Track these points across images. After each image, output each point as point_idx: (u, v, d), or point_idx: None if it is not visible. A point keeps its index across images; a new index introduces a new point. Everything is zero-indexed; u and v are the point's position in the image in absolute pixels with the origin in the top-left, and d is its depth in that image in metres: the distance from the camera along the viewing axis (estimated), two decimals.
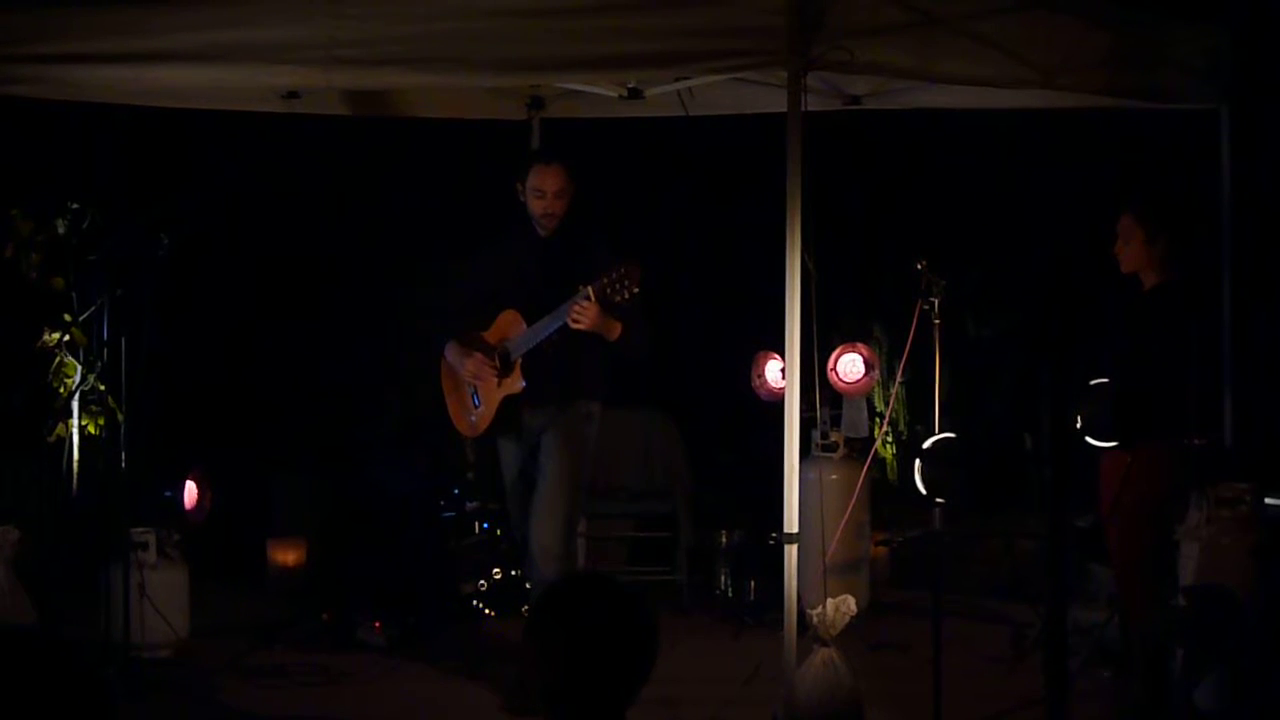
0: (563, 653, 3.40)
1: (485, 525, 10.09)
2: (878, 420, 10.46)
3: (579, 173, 7.83)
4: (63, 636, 3.18)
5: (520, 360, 7.68)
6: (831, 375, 9.63)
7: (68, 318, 9.07)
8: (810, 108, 6.74)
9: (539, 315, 7.56)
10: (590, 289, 7.25)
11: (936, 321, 8.42)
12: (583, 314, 7.31)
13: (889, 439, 11.19)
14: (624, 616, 3.45)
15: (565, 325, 7.39)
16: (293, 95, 8.65)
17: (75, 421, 9.11)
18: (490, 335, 7.86)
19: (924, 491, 7.02)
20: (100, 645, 8.08)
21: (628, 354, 7.73)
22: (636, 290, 7.21)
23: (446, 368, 8.03)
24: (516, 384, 7.71)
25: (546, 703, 3.43)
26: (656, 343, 7.81)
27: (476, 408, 7.94)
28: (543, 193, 7.72)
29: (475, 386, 7.91)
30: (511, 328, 7.76)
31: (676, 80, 8.45)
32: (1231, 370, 8.51)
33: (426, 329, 8.15)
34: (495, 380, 7.78)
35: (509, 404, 7.77)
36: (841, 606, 6.64)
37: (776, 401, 7.67)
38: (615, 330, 7.50)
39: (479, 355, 7.82)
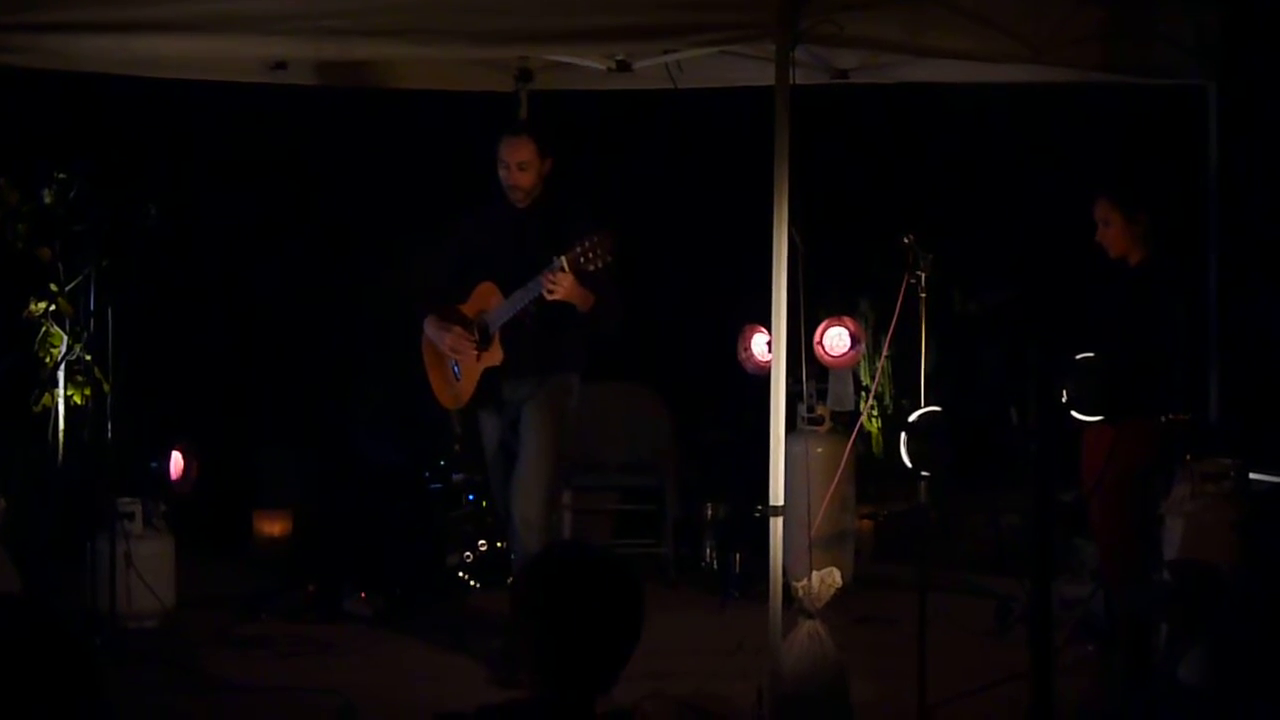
0: (549, 622, 3.40)
1: (471, 497, 10.10)
2: (864, 394, 10.47)
3: (558, 145, 7.83)
4: (49, 606, 3.19)
5: (499, 332, 7.69)
6: (818, 349, 9.64)
7: (54, 288, 9.04)
8: (798, 81, 6.74)
9: (516, 287, 7.56)
10: (564, 259, 7.25)
11: (923, 295, 8.44)
12: (557, 284, 7.31)
13: (875, 413, 11.20)
14: (609, 584, 3.46)
15: (542, 297, 7.40)
16: (280, 66, 8.65)
17: (61, 391, 9.09)
18: (468, 308, 7.86)
19: (909, 465, 7.03)
20: (86, 615, 8.11)
21: (599, 327, 7.73)
22: (610, 259, 7.21)
23: (427, 341, 8.03)
24: (495, 356, 7.71)
25: (533, 673, 3.43)
26: (629, 317, 7.80)
27: (458, 380, 7.95)
28: (507, 164, 7.73)
29: (456, 360, 7.92)
30: (489, 299, 7.76)
31: (665, 53, 8.45)
32: (1217, 346, 8.52)
33: (407, 301, 8.15)
34: (475, 353, 7.78)
35: (489, 376, 7.78)
36: (827, 579, 6.66)
37: (763, 375, 7.68)
38: (589, 301, 7.50)
39: (457, 329, 7.82)
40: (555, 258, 7.28)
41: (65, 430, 9.15)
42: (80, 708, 3.03)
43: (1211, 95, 8.61)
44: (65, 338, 9.04)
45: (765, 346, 9.40)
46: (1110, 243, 7.88)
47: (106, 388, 8.47)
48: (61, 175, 9.12)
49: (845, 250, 10.78)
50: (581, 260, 7.21)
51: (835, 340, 9.73)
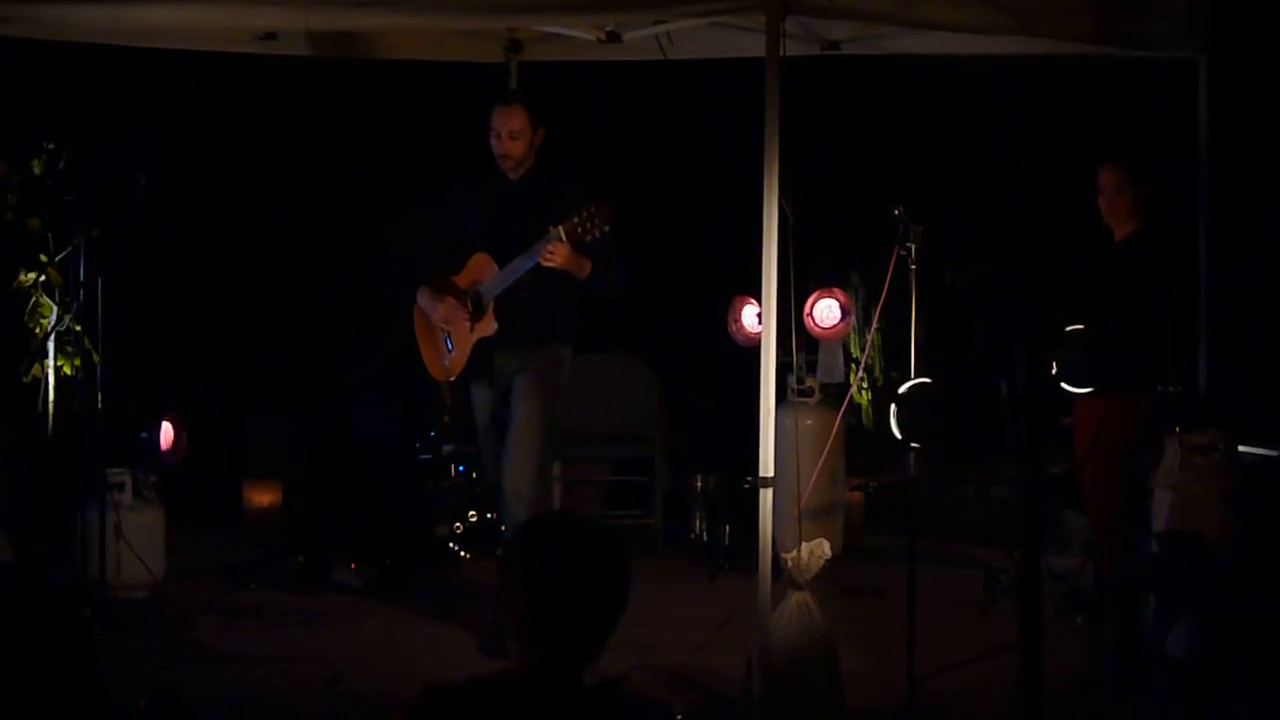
0: (536, 591, 3.41)
1: (461, 468, 10.12)
2: (854, 366, 10.47)
3: (549, 115, 7.82)
4: (41, 575, 3.19)
5: (492, 304, 7.68)
6: (808, 321, 9.64)
7: (44, 258, 9.03)
8: (789, 53, 6.72)
9: (510, 258, 7.56)
10: (561, 229, 7.25)
11: (913, 268, 8.44)
12: (554, 254, 7.31)
13: (864, 385, 11.21)
14: (596, 553, 3.46)
15: (537, 267, 7.39)
16: (270, 36, 8.63)
17: (51, 362, 9.08)
18: (461, 279, 7.85)
19: (899, 437, 7.03)
20: (76, 585, 8.11)
21: (600, 292, 7.72)
22: (608, 228, 7.21)
23: (419, 313, 8.03)
24: (489, 327, 7.71)
25: (521, 643, 3.44)
26: (631, 281, 7.80)
27: (450, 352, 7.94)
28: (498, 133, 7.73)
29: (448, 331, 7.91)
30: (483, 271, 7.75)
31: (655, 24, 8.43)
32: (1207, 318, 8.53)
33: (400, 272, 8.14)
34: (468, 324, 7.78)
35: (482, 347, 7.77)
36: (816, 551, 6.66)
37: (753, 346, 7.69)
38: (586, 268, 7.50)
39: (451, 300, 7.81)
40: (552, 228, 7.28)
41: (55, 401, 9.13)
42: (72, 676, 3.04)
43: (1202, 67, 8.60)
44: (55, 308, 9.02)
45: (755, 318, 9.41)
46: (1115, 210, 7.84)
47: (96, 358, 8.46)
48: (51, 145, 9.11)
49: (836, 222, 10.78)
50: (579, 230, 7.22)
51: (825, 312, 9.74)
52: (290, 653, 7.73)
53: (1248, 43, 9.18)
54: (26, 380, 9.14)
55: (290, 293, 11.24)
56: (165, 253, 10.03)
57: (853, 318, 9.89)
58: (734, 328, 9.88)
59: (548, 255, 7.32)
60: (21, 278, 9.04)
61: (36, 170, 9.06)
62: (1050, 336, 7.62)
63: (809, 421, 9.40)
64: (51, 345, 9.03)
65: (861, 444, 10.54)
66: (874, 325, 9.55)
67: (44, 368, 9.08)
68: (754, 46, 7.11)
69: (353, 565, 9.06)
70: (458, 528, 9.78)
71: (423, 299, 7.94)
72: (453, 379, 8.05)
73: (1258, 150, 9.68)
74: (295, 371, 11.01)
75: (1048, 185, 10.02)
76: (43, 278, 9.04)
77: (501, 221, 7.73)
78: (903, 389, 7.26)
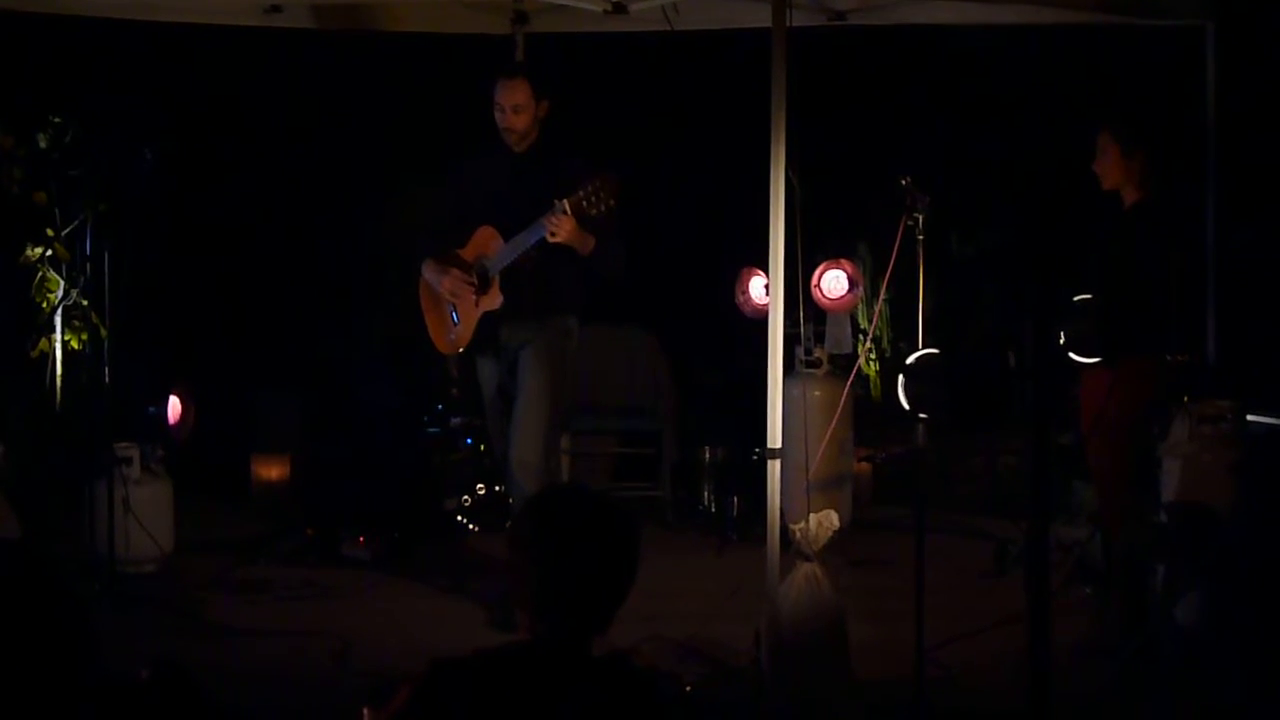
0: (545, 564, 3.41)
1: (469, 441, 10.10)
2: (861, 337, 10.46)
3: (554, 88, 7.79)
4: (43, 551, 3.19)
5: (498, 276, 7.67)
6: (815, 292, 9.62)
7: (50, 232, 9.04)
8: (795, 23, 6.71)
9: (515, 231, 7.52)
10: (566, 201, 7.23)
11: (921, 238, 8.42)
12: (559, 226, 7.29)
13: (872, 356, 11.20)
14: (604, 526, 3.46)
15: (542, 240, 7.37)
16: (275, 9, 8.62)
17: (58, 337, 9.10)
18: (467, 252, 7.83)
19: (907, 407, 7.01)
20: (85, 560, 8.10)
21: (600, 270, 7.69)
22: (613, 203, 7.19)
23: (425, 285, 8.01)
24: (495, 300, 7.69)
25: (529, 615, 3.44)
26: (630, 261, 7.78)
27: (455, 325, 7.92)
28: (502, 107, 7.68)
29: (454, 304, 7.90)
30: (488, 244, 7.73)
31: None
32: (1215, 287, 8.51)
33: (405, 245, 8.13)
34: (473, 297, 7.76)
35: (487, 320, 7.76)
36: (825, 522, 6.65)
37: (760, 318, 7.67)
38: (589, 244, 7.47)
39: (456, 272, 7.79)
40: (557, 200, 7.26)
41: (63, 375, 9.16)
42: (70, 652, 3.03)
43: (1210, 34, 8.58)
44: (62, 283, 9.04)
45: (763, 290, 9.38)
46: (1103, 173, 7.83)
47: (104, 333, 8.46)
48: (57, 119, 9.11)
49: (843, 193, 10.76)
50: (584, 204, 7.19)
51: (833, 283, 9.71)
52: (298, 626, 7.73)
53: (1255, 10, 9.15)
54: (34, 355, 9.16)
55: (297, 265, 11.24)
56: (171, 226, 10.03)
57: (860, 289, 9.86)
58: (742, 299, 9.86)
59: (552, 229, 7.30)
60: (28, 252, 9.06)
61: (42, 144, 9.08)
62: (1058, 306, 7.60)
63: (817, 393, 9.39)
64: (58, 320, 9.06)
65: (869, 415, 10.53)
66: (881, 296, 9.53)
67: (51, 342, 9.10)
68: (760, 17, 7.09)
69: (360, 539, 9.06)
70: (465, 501, 9.78)
71: (428, 271, 7.92)
72: (459, 352, 8.04)
73: (1265, 117, 9.65)
74: (302, 344, 11.01)
75: (1054, 155, 9.99)
76: (49, 252, 9.07)
77: (507, 195, 7.70)
78: (911, 360, 7.25)
